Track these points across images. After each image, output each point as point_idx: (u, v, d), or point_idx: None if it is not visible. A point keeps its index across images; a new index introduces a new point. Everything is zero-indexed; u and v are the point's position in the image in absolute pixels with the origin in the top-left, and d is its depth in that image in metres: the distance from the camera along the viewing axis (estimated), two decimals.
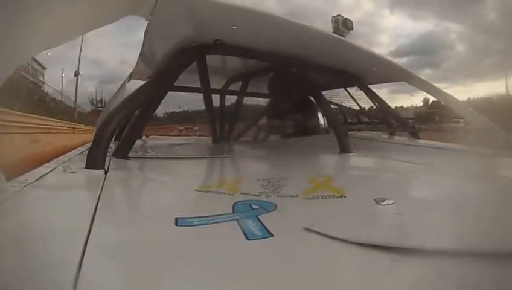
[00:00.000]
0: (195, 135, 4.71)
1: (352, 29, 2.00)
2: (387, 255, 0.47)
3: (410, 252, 0.47)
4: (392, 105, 2.62)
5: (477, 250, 0.47)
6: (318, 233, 0.56)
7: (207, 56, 1.85)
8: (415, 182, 1.14)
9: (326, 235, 0.54)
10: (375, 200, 0.73)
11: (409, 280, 0.44)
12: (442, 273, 0.44)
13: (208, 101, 2.37)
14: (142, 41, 1.57)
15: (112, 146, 1.35)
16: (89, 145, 1.37)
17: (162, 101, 1.59)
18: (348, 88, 2.56)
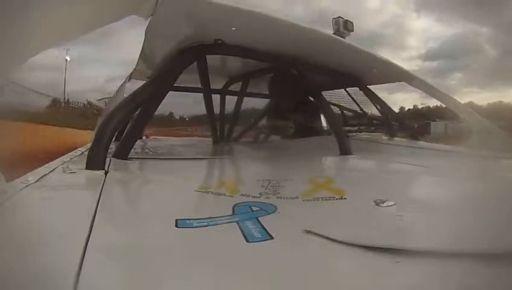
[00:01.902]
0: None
1: (352, 30, 2.00)
2: (387, 257, 0.47)
3: (410, 254, 0.47)
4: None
5: (477, 251, 0.47)
6: (318, 235, 0.55)
7: (207, 56, 1.85)
8: (415, 183, 1.14)
9: (326, 238, 0.54)
10: (375, 202, 0.73)
11: (409, 281, 0.44)
12: (442, 274, 0.44)
13: (208, 101, 2.37)
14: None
15: (112, 146, 1.35)
16: (89, 145, 1.37)
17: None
18: (348, 90, 2.56)
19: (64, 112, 13.03)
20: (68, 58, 15.53)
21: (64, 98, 14.82)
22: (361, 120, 2.68)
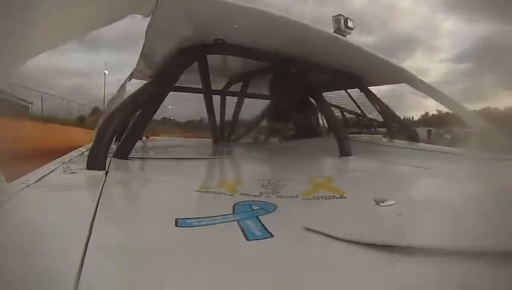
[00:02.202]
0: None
1: (353, 28, 1.99)
2: (387, 255, 0.47)
3: (411, 252, 0.47)
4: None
5: (477, 250, 0.47)
6: (318, 233, 0.55)
7: (208, 56, 1.85)
8: (415, 184, 1.14)
9: (326, 236, 0.54)
10: (375, 201, 0.73)
11: (409, 280, 0.44)
12: (442, 273, 0.44)
13: (208, 101, 2.37)
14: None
15: (113, 147, 1.35)
16: (90, 145, 1.37)
17: None
18: (349, 91, 2.55)
19: None
20: (107, 72, 16.85)
21: (104, 107, 15.98)
22: (362, 122, 2.67)
